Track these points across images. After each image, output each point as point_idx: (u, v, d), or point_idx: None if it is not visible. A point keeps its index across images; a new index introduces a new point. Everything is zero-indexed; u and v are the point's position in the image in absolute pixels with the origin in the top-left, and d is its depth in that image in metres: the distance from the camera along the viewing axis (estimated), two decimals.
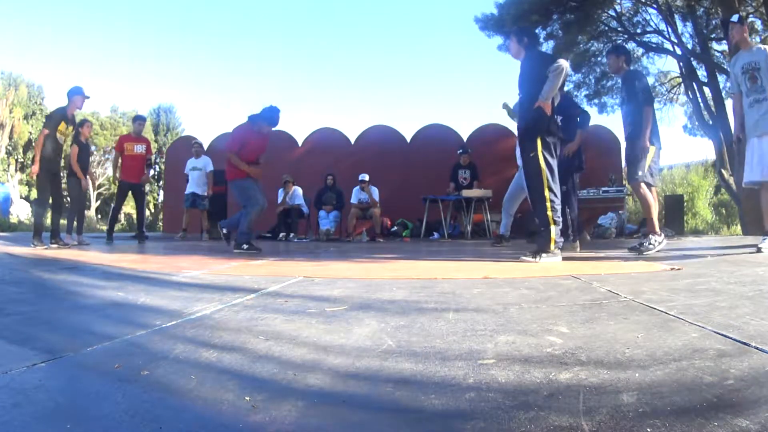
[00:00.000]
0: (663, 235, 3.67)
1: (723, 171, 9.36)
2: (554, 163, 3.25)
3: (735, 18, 3.83)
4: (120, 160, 6.56)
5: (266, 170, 9.38)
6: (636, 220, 8.75)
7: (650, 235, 3.61)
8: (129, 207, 24.69)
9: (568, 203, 4.27)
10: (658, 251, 3.53)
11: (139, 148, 6.52)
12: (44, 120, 5.17)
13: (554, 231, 3.11)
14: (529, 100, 3.24)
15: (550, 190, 3.14)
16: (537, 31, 9.92)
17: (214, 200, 7.71)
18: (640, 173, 3.66)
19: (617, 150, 9.10)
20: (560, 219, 3.21)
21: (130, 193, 6.55)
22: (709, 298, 1.64)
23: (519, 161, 4.04)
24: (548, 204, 3.13)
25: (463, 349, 1.10)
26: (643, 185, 3.68)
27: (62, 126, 4.97)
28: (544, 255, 3.07)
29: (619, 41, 9.76)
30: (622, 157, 8.36)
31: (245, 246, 4.31)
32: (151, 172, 7.38)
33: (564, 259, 3.15)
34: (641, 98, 3.67)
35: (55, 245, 4.85)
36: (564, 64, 3.17)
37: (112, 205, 6.93)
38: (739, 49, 3.75)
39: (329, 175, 8.00)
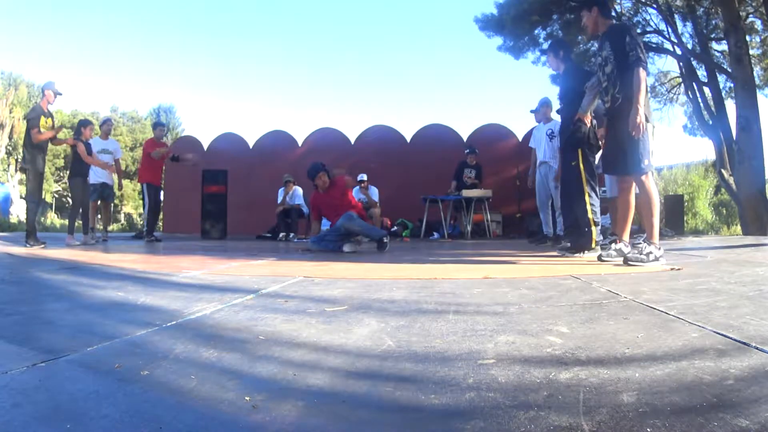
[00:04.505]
0: (661, 247, 2.81)
1: (723, 171, 9.35)
2: (594, 169, 3.56)
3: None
4: (143, 163, 6.83)
5: (267, 170, 9.51)
6: (636, 220, 8.76)
7: (645, 244, 2.82)
8: (129, 207, 24.73)
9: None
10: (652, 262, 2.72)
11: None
12: (27, 121, 5.16)
13: (595, 231, 3.43)
14: (571, 112, 3.50)
15: (590, 195, 3.46)
16: (537, 31, 9.95)
17: (213, 200, 7.68)
18: (645, 162, 2.81)
19: None
20: (600, 220, 3.51)
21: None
22: (709, 298, 1.64)
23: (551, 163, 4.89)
24: (588, 207, 3.44)
25: (463, 349, 1.10)
26: (649, 176, 2.85)
27: (42, 121, 5.03)
28: (586, 252, 3.38)
29: None
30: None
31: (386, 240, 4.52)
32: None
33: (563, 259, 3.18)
34: (632, 58, 2.79)
35: (33, 245, 4.81)
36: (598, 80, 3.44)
37: (145, 208, 7.00)
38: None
39: None
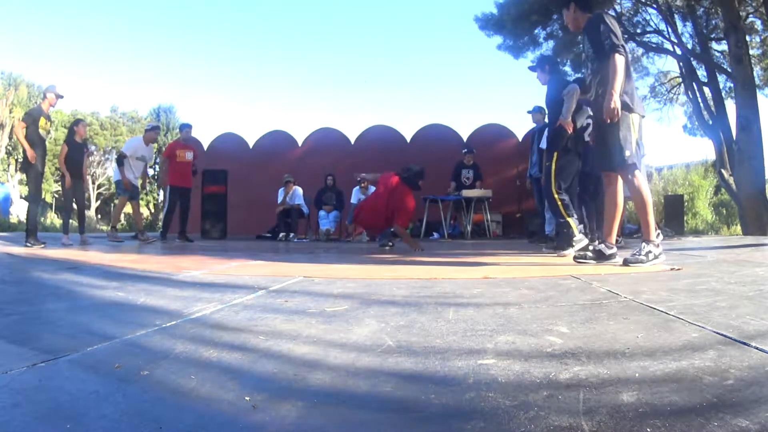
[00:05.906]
0: (660, 244, 2.72)
1: (723, 171, 9.36)
2: (570, 170, 3.86)
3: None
4: (167, 166, 6.73)
5: (267, 170, 9.51)
6: (636, 220, 8.77)
7: (643, 243, 2.71)
8: (128, 207, 24.71)
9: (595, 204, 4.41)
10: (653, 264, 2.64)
11: (189, 155, 6.77)
12: (23, 116, 5.16)
13: (572, 222, 3.67)
14: (554, 121, 3.81)
15: (558, 192, 3.73)
16: (537, 31, 9.96)
17: (213, 200, 7.69)
18: (627, 153, 2.64)
19: None
20: (573, 212, 3.75)
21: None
22: (709, 298, 1.64)
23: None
24: (559, 203, 3.71)
25: (463, 349, 1.10)
26: (636, 174, 2.70)
27: (42, 121, 5.01)
28: (574, 245, 3.57)
29: None
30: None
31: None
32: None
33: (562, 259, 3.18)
34: (606, 45, 2.68)
35: (33, 244, 4.81)
36: (574, 87, 3.72)
37: (165, 207, 6.95)
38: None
39: (329, 175, 8.02)
